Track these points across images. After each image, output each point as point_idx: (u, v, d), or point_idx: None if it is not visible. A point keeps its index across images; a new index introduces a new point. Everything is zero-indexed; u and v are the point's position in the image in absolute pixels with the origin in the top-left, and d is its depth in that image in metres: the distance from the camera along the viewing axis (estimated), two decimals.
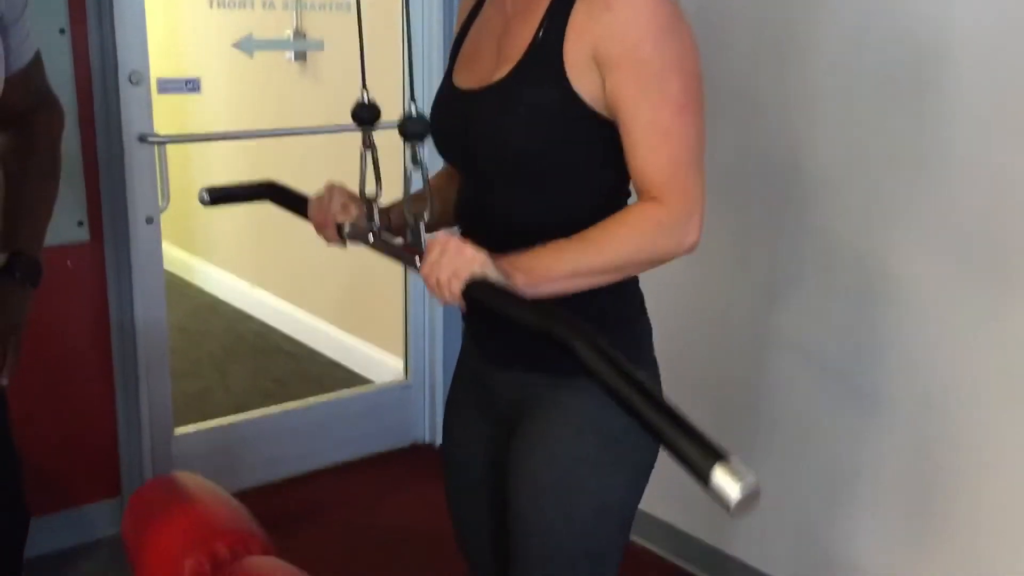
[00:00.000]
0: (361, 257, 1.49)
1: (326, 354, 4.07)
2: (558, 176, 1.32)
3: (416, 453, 3.35)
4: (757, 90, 2.38)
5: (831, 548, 2.41)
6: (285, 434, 3.15)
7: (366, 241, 1.41)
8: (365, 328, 3.92)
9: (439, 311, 3.30)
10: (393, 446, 3.35)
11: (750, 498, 0.84)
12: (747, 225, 2.46)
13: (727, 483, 0.85)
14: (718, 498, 0.85)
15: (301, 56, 3.86)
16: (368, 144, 1.40)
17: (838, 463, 2.36)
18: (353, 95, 1.41)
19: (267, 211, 1.74)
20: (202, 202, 1.65)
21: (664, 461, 1.06)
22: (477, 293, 1.17)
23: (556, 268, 1.23)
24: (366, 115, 1.39)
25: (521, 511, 1.41)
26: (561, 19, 1.29)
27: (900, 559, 2.27)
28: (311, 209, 1.50)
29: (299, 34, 3.59)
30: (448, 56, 1.51)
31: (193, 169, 4.69)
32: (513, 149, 1.31)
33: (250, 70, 3.88)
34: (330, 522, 2.91)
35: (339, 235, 1.46)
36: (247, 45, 3.12)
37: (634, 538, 2.72)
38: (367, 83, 1.40)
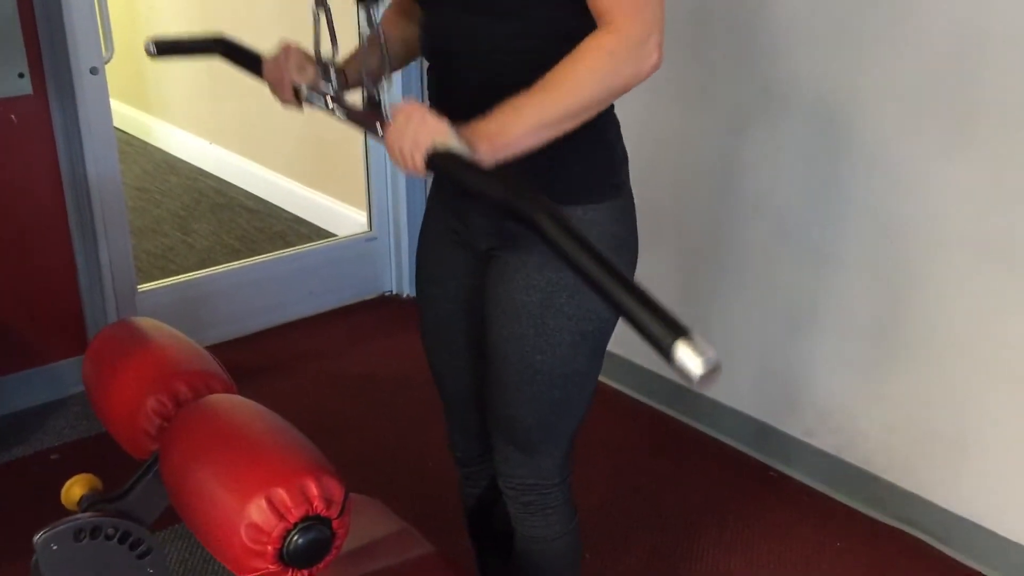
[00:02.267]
0: (325, 125, 1.45)
1: (289, 210, 4.03)
2: (515, 12, 1.28)
3: (383, 304, 3.36)
4: None
5: (794, 384, 2.46)
6: (251, 288, 3.14)
7: (324, 106, 1.39)
8: (327, 182, 3.87)
9: None
10: (360, 298, 3.36)
11: (712, 372, 0.88)
12: (713, 62, 2.40)
13: (690, 359, 0.88)
14: (682, 373, 0.89)
15: None
16: (320, 2, 1.36)
17: (801, 298, 2.39)
18: None
19: (221, 67, 1.68)
20: (148, 53, 1.61)
21: None
22: (440, 163, 1.16)
23: (518, 125, 1.21)
24: None
25: (499, 335, 1.42)
26: None
27: (859, 390, 2.33)
28: (266, 69, 1.47)
29: None
30: None
31: (141, 20, 4.52)
32: None
33: None
34: (298, 372, 2.94)
35: (295, 97, 1.43)
36: None
37: (605, 380, 2.76)
38: None
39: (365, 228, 3.40)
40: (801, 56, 2.23)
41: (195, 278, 3.07)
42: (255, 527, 0.98)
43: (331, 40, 1.38)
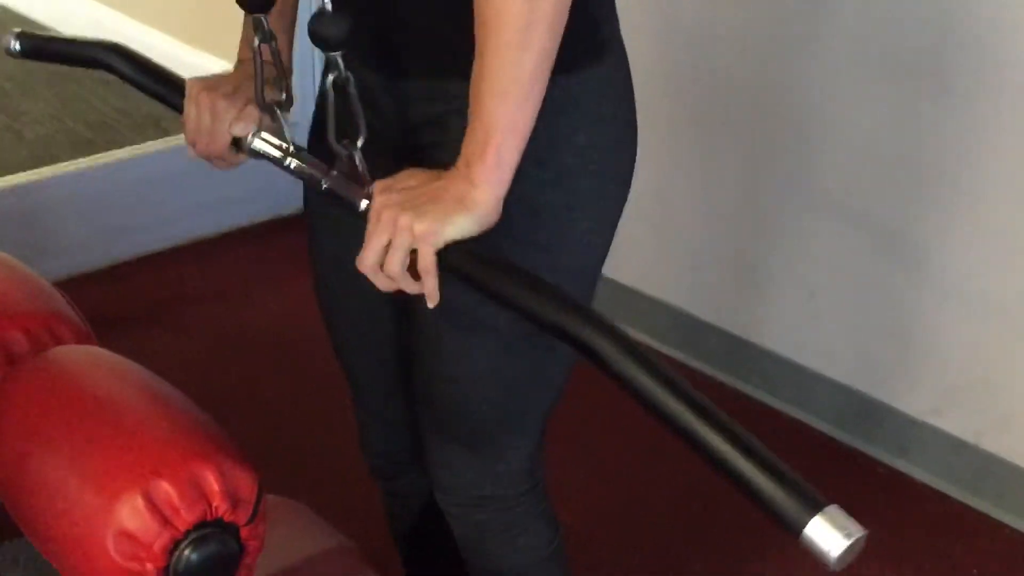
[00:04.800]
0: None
1: None
2: None
3: (299, 225, 3.36)
4: None
5: (913, 344, 2.48)
6: (110, 198, 3.15)
7: (280, 161, 1.44)
8: (221, 40, 3.84)
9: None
10: (272, 214, 3.37)
11: (853, 548, 0.95)
12: None
13: (826, 536, 0.96)
14: (814, 551, 0.96)
15: None
16: (264, 36, 1.40)
17: (921, 214, 2.41)
18: None
19: None
20: (9, 52, 1.67)
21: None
22: (455, 268, 1.22)
23: (502, 112, 1.23)
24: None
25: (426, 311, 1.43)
26: None
27: (1008, 354, 2.36)
28: (189, 133, 1.51)
29: None
30: None
31: None
32: None
33: None
34: (182, 320, 2.96)
35: (238, 149, 1.48)
36: None
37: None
38: None
39: None
40: None
41: (28, 181, 3.07)
42: (128, 537, 0.99)
43: (282, 80, 1.43)
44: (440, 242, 1.21)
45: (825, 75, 2.45)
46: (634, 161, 1.46)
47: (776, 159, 2.59)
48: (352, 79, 1.32)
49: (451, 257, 1.22)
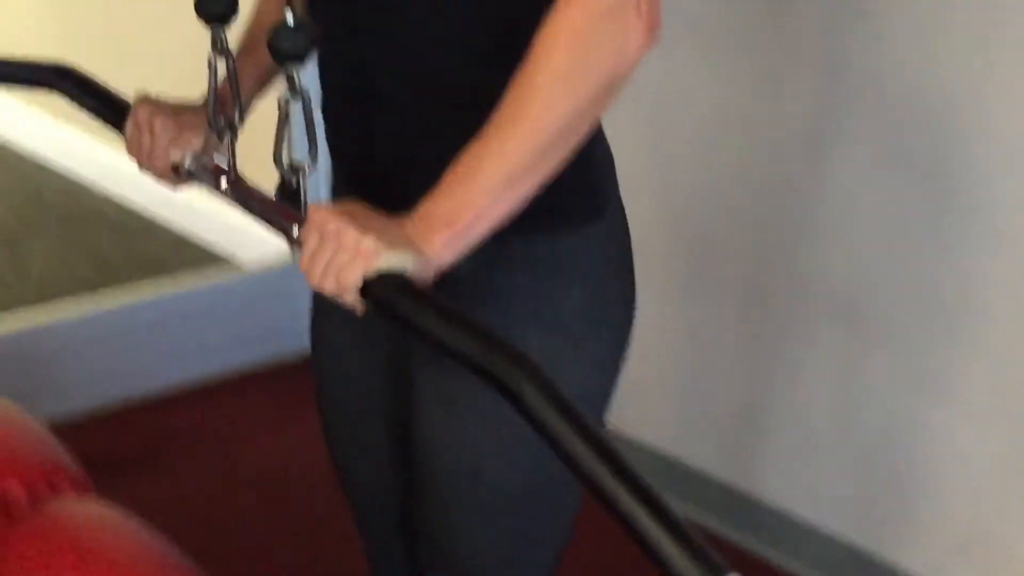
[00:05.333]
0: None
1: (172, 223, 4.05)
2: (446, 16, 1.32)
3: (306, 367, 3.36)
4: None
5: (913, 491, 2.47)
6: (113, 341, 3.15)
7: (216, 187, 1.44)
8: None
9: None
10: (274, 357, 3.37)
11: None
12: (792, 35, 2.44)
13: None
14: None
15: None
16: (220, 49, 1.41)
17: (928, 346, 2.41)
18: None
19: (73, 6, 1.72)
20: None
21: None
22: (381, 295, 1.20)
23: (480, 191, 1.24)
24: (216, 6, 1.40)
25: (432, 431, 1.43)
26: None
27: (1019, 503, 2.34)
28: (129, 142, 1.52)
29: None
30: None
31: None
32: None
33: None
34: (182, 466, 2.94)
35: (175, 172, 1.49)
36: None
37: None
38: None
39: (282, 253, 3.42)
40: (919, 40, 2.27)
41: (31, 324, 3.08)
42: None
43: (233, 96, 1.43)
44: (376, 266, 1.20)
45: (821, 227, 2.48)
46: (633, 314, 1.48)
47: (771, 307, 2.61)
48: (310, 97, 1.32)
49: (378, 287, 1.20)
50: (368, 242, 1.20)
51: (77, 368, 3.09)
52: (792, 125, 2.50)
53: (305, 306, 3.39)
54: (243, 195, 1.42)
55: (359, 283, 1.20)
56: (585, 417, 1.05)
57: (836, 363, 2.53)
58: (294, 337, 3.39)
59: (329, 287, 1.23)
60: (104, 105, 1.60)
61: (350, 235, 1.21)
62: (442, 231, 1.23)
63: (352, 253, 1.20)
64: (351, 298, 1.22)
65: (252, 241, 3.70)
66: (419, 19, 1.33)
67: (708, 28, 2.52)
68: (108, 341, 3.15)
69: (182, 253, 3.88)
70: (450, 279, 1.39)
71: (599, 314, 1.42)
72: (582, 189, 1.40)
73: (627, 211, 1.50)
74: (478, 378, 1.12)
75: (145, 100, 1.52)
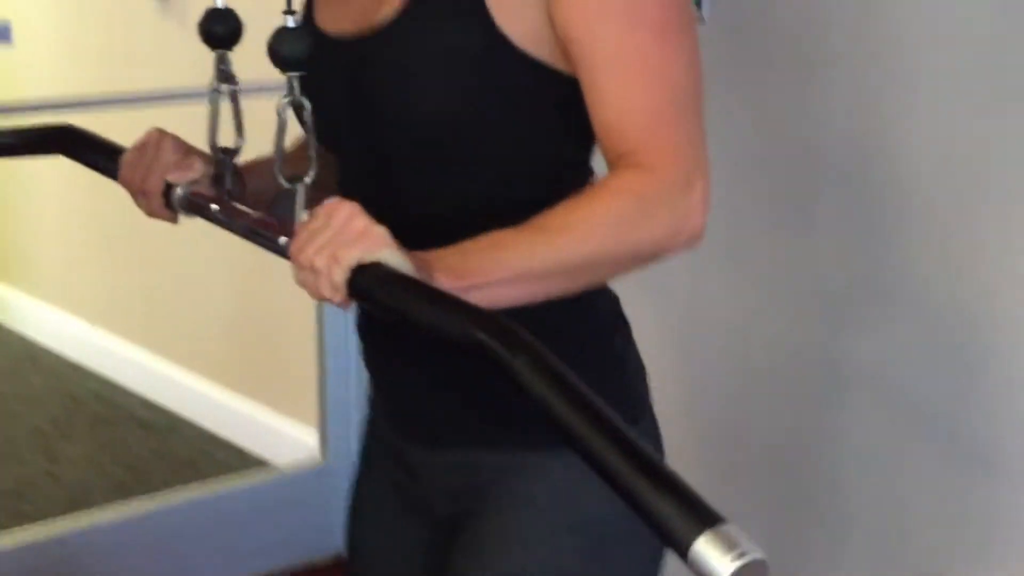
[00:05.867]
0: (252, 281, 1.47)
1: (204, 425, 4.06)
2: (487, 155, 1.33)
3: (340, 568, 3.34)
4: (820, 40, 2.41)
5: None
6: (145, 544, 3.13)
7: (207, 212, 1.38)
8: (259, 385, 3.90)
9: None
10: (306, 559, 3.33)
11: (748, 573, 0.87)
12: (810, 220, 2.48)
13: (715, 555, 0.87)
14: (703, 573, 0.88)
15: None
16: (224, 76, 1.37)
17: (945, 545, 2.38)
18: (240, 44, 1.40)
19: (109, 216, 1.74)
20: None
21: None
22: (368, 284, 1.16)
23: (497, 268, 1.22)
24: (221, 31, 1.35)
25: None
26: None
27: None
28: (125, 165, 1.46)
29: None
30: None
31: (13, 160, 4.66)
32: (419, 121, 1.31)
33: (85, 10, 3.88)
34: None
35: (167, 202, 1.43)
36: None
37: None
38: None
39: (315, 455, 3.42)
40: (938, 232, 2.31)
41: (63, 529, 3.06)
42: None
43: (236, 126, 1.39)
44: (377, 255, 1.16)
45: (848, 456, 2.48)
46: None
47: (803, 511, 2.59)
48: (308, 106, 1.27)
49: (365, 275, 1.16)
50: (378, 232, 1.17)
51: (108, 574, 3.08)
52: (816, 340, 2.53)
53: (338, 507, 3.39)
54: (233, 215, 1.35)
55: (353, 264, 1.16)
56: (578, 386, 1.02)
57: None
58: (326, 538, 3.37)
59: (321, 264, 1.16)
60: (108, 158, 1.52)
61: (361, 220, 1.17)
62: (445, 274, 1.19)
63: (357, 235, 1.16)
64: (338, 279, 1.16)
65: (285, 443, 3.71)
66: (458, 168, 1.34)
67: (735, 239, 2.55)
68: (139, 547, 3.13)
69: (215, 454, 3.87)
70: (477, 493, 1.40)
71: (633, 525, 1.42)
72: (617, 397, 1.40)
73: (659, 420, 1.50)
74: (470, 352, 1.08)
75: (157, 128, 1.48)
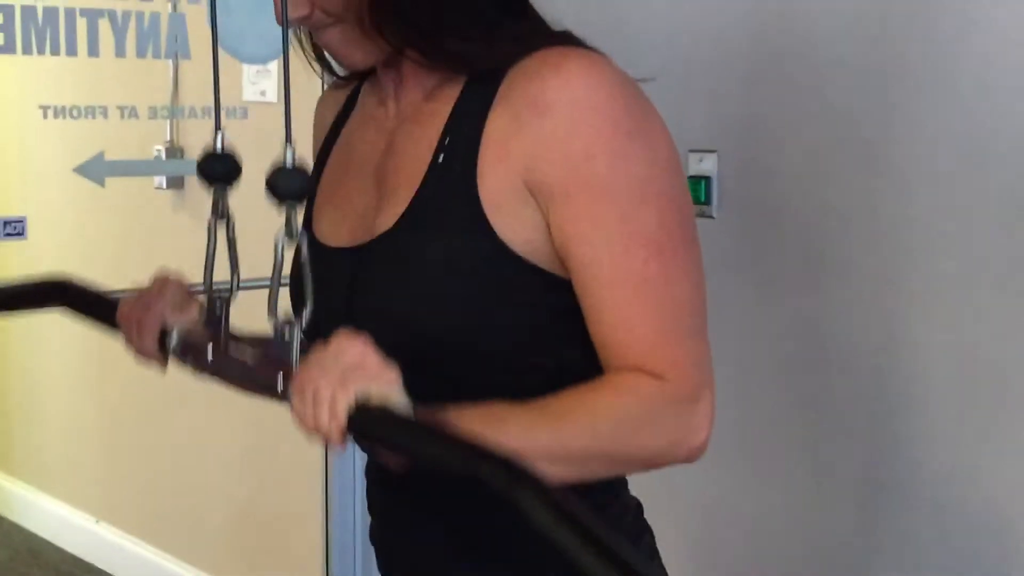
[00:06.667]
0: (258, 472, 1.46)
1: None
2: (487, 353, 1.32)
3: None
4: (830, 234, 2.44)
5: None
6: None
7: (201, 360, 1.37)
8: None
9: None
10: None
11: None
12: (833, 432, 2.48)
13: None
14: None
15: (176, 182, 3.91)
16: (221, 213, 1.36)
17: None
18: (250, 230, 1.41)
19: (116, 402, 1.75)
20: None
21: None
22: (366, 421, 1.16)
23: (492, 438, 1.18)
24: (218, 169, 1.35)
25: None
26: (472, 130, 1.28)
27: None
28: (125, 307, 1.46)
29: (174, 150, 3.65)
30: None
31: (14, 348, 4.68)
32: (417, 333, 1.30)
33: (101, 204, 3.93)
34: None
35: (160, 347, 1.42)
36: (95, 169, 3.12)
37: None
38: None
39: None
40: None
41: None
42: None
43: (231, 266, 1.37)
44: (365, 392, 1.15)
45: None
46: None
47: None
48: (308, 237, 1.25)
49: (361, 416, 1.15)
50: (392, 370, 1.16)
51: None
52: (839, 538, 2.51)
53: None
54: (227, 365, 1.33)
55: (360, 397, 1.14)
56: (583, 515, 1.01)
57: None
58: None
59: (323, 396, 1.15)
60: (100, 306, 1.53)
61: (375, 356, 1.16)
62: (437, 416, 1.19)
63: (370, 370, 1.16)
64: (340, 408, 1.14)
65: None
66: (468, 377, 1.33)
67: (753, 442, 2.55)
68: None
69: None
70: None
71: None
72: (615, 510, 1.40)
73: None
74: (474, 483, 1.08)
75: (156, 274, 1.48)
